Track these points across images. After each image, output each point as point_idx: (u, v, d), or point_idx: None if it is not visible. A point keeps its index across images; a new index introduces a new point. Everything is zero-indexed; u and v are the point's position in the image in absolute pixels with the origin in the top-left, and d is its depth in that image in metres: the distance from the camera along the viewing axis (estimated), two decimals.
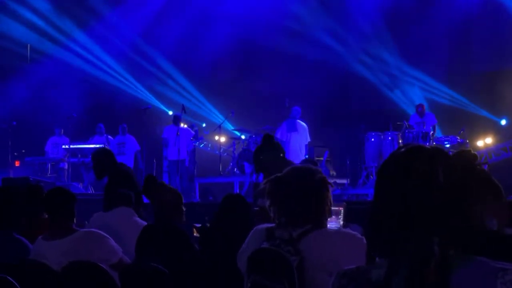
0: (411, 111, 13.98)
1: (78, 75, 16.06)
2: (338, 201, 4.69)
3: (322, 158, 12.94)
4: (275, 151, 5.59)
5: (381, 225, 1.50)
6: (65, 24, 16.14)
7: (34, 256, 4.06)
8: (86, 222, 5.41)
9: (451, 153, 1.58)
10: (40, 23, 15.96)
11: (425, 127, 12.40)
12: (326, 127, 14.01)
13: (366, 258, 1.54)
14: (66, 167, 13.50)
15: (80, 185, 12.87)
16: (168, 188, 4.72)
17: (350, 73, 15.65)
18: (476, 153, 1.59)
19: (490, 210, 1.50)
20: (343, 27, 15.54)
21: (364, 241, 2.72)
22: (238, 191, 11.59)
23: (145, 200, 5.96)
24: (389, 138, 12.25)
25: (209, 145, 15.51)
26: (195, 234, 5.69)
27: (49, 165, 13.44)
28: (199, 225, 5.40)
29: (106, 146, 12.09)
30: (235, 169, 12.85)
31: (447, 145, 12.07)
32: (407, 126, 12.30)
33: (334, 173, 13.28)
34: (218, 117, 15.96)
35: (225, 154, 14.21)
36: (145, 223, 5.02)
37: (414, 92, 15.42)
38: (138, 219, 5.15)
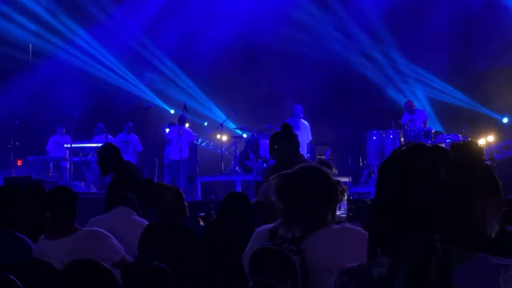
0: None
1: (79, 74, 16.06)
2: None
3: (323, 157, 12.93)
4: (291, 143, 5.47)
5: (383, 223, 1.50)
6: (67, 23, 16.14)
7: (36, 255, 4.06)
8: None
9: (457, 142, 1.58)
10: (41, 22, 15.96)
11: (416, 124, 12.38)
12: (327, 126, 14.01)
13: (368, 255, 1.54)
14: (68, 166, 13.50)
15: (82, 184, 12.87)
16: (167, 188, 4.72)
17: (352, 72, 15.64)
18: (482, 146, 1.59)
19: (491, 207, 1.50)
20: (345, 26, 15.54)
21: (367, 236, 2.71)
22: (240, 190, 11.59)
23: None
24: (391, 136, 12.25)
25: (211, 143, 15.52)
26: (202, 224, 5.69)
27: (51, 164, 13.43)
28: (203, 213, 5.39)
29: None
30: (237, 168, 12.85)
31: (448, 143, 12.06)
32: (403, 126, 12.31)
33: (336, 172, 13.25)
34: (219, 115, 15.96)
35: (227, 152, 14.22)
36: (144, 221, 5.02)
37: (416, 90, 15.41)
38: (137, 217, 5.13)
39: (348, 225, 2.86)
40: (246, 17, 15.27)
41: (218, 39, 15.68)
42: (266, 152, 11.84)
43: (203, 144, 15.08)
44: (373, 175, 12.39)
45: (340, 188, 2.81)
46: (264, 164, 11.65)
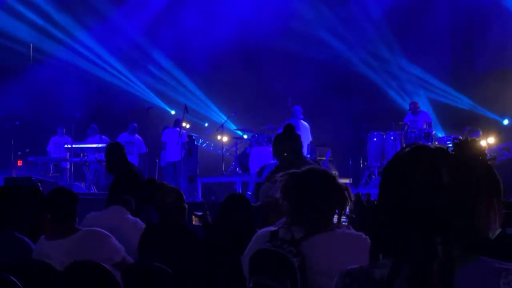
0: None
1: (80, 75, 16.06)
2: None
3: (324, 158, 12.93)
4: (294, 144, 5.43)
5: (385, 224, 1.50)
6: (67, 24, 16.14)
7: (36, 255, 4.06)
8: None
9: (457, 141, 1.57)
10: (42, 22, 15.97)
11: (418, 125, 12.38)
12: (328, 127, 14.00)
13: (369, 257, 1.54)
14: (68, 166, 13.50)
15: (83, 185, 12.86)
16: (169, 188, 4.72)
17: (353, 73, 15.64)
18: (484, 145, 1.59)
19: (493, 208, 1.50)
20: (346, 27, 15.53)
21: (369, 241, 2.71)
22: (240, 191, 11.59)
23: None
24: (391, 137, 12.25)
25: (212, 144, 15.51)
26: (194, 223, 5.67)
27: (52, 164, 13.43)
28: (200, 213, 5.39)
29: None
30: (238, 169, 12.85)
31: (450, 145, 12.04)
32: (406, 126, 12.30)
33: (337, 173, 13.26)
34: (220, 116, 15.96)
35: (228, 153, 14.21)
36: (138, 220, 5.03)
37: (417, 91, 15.41)
38: (130, 216, 5.13)
39: (350, 230, 2.86)
40: (246, 18, 15.27)
41: (218, 40, 15.68)
42: (255, 165, 11.88)
43: (203, 145, 15.07)
44: (373, 176, 12.39)
45: (347, 194, 2.81)
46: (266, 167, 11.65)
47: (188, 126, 13.87)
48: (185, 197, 4.71)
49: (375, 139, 12.43)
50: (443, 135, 13.69)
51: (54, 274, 3.69)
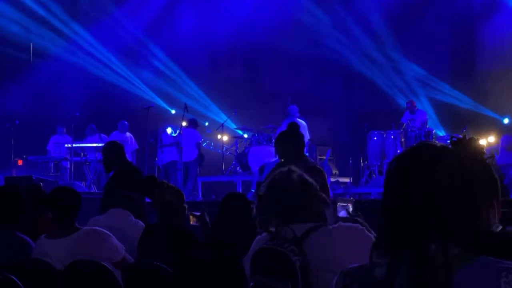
0: None
1: (80, 74, 16.05)
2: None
3: (324, 157, 12.94)
4: (297, 143, 5.38)
5: (387, 223, 1.49)
6: (68, 22, 16.14)
7: (36, 254, 4.06)
8: None
9: (456, 139, 1.57)
10: (42, 21, 15.96)
11: (416, 124, 12.38)
12: (328, 126, 14.00)
13: (370, 256, 1.54)
14: (68, 166, 13.49)
15: (83, 184, 12.86)
16: (168, 187, 4.71)
17: (353, 72, 15.63)
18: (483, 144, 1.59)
19: (492, 207, 1.50)
20: (347, 27, 15.52)
21: (366, 231, 2.73)
22: (240, 190, 11.59)
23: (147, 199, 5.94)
24: (392, 137, 12.25)
25: (212, 144, 15.50)
26: (192, 223, 5.66)
27: (52, 164, 13.43)
28: (198, 213, 5.38)
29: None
30: (238, 168, 12.84)
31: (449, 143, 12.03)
32: (404, 125, 12.30)
33: (337, 172, 13.28)
34: (220, 116, 15.95)
35: (228, 153, 14.21)
36: (140, 222, 5.02)
37: (417, 91, 15.40)
38: (132, 218, 5.12)
39: (344, 223, 2.88)
40: (247, 17, 15.27)
41: (218, 39, 15.68)
42: (255, 164, 11.88)
43: (203, 144, 15.07)
44: (374, 175, 12.39)
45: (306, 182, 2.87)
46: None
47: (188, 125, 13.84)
48: (186, 197, 4.70)
49: (375, 138, 12.43)
50: (444, 134, 13.69)
51: (54, 273, 3.69)
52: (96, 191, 12.37)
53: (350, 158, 13.11)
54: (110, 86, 16.37)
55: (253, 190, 10.79)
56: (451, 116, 14.46)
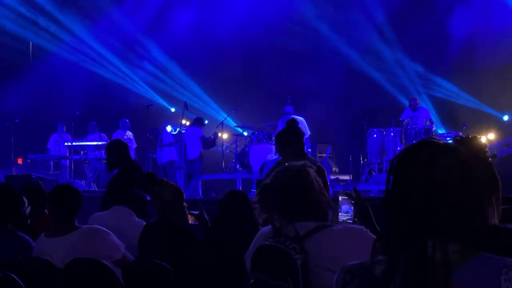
0: None
1: (80, 72, 16.06)
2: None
3: (324, 155, 12.94)
4: (297, 141, 5.36)
5: (387, 220, 1.49)
6: (67, 21, 16.14)
7: (36, 253, 4.06)
8: None
9: (459, 138, 1.57)
10: (41, 20, 15.96)
11: (418, 121, 12.38)
12: (328, 124, 14.01)
13: (371, 253, 1.54)
14: (68, 164, 13.50)
15: (83, 182, 12.87)
16: (168, 185, 4.70)
17: (353, 70, 15.63)
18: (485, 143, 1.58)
19: (492, 205, 1.50)
20: (346, 24, 15.52)
21: (370, 234, 2.73)
22: (241, 188, 11.60)
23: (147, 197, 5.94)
24: (391, 134, 12.25)
25: (211, 136, 15.50)
26: (190, 222, 5.66)
27: (52, 162, 13.43)
28: (197, 212, 5.38)
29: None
30: (238, 166, 12.84)
31: (449, 141, 12.03)
32: (405, 122, 12.30)
33: (337, 170, 13.29)
34: (220, 113, 15.96)
35: (228, 151, 14.21)
36: (143, 222, 5.01)
37: (417, 88, 15.41)
38: (135, 218, 5.12)
39: (350, 225, 2.88)
40: (247, 15, 15.26)
41: (218, 37, 15.68)
42: (256, 163, 11.88)
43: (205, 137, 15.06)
44: (373, 173, 12.39)
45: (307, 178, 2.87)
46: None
47: (188, 123, 13.86)
48: (189, 194, 4.69)
49: (375, 136, 12.43)
50: (444, 131, 13.69)
51: (54, 272, 3.69)
52: (96, 189, 12.39)
53: (350, 156, 13.12)
54: (110, 85, 16.38)
55: (253, 190, 10.79)
56: (450, 114, 14.47)
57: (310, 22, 15.58)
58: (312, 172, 2.90)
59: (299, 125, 5.42)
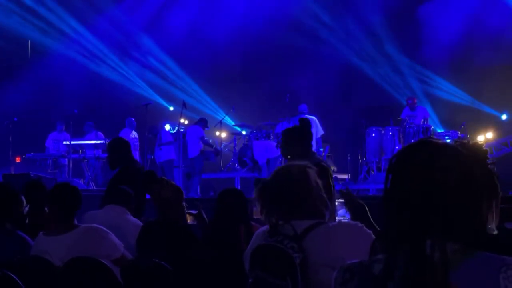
0: None
1: (78, 71, 16.04)
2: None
3: (323, 153, 12.94)
4: (302, 139, 5.32)
5: (386, 219, 1.50)
6: (65, 19, 16.12)
7: (35, 252, 4.05)
8: None
9: (459, 143, 1.57)
10: (40, 18, 15.94)
11: (416, 120, 12.39)
12: (327, 122, 14.00)
13: (369, 252, 1.54)
14: (67, 163, 13.49)
15: (81, 181, 12.86)
16: (168, 183, 4.70)
17: (351, 69, 15.64)
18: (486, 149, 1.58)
19: (491, 208, 1.50)
20: (345, 23, 15.52)
21: (365, 229, 2.74)
22: (239, 187, 11.60)
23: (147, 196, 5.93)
24: (390, 133, 12.25)
25: (210, 140, 15.51)
26: (189, 222, 5.66)
27: (50, 161, 13.42)
28: (195, 211, 5.38)
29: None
30: (236, 165, 12.84)
31: (448, 140, 12.04)
32: (404, 121, 12.31)
33: (335, 169, 13.29)
34: (219, 112, 15.95)
35: (226, 149, 14.21)
36: (137, 221, 5.01)
37: (415, 87, 15.41)
38: (130, 216, 5.11)
39: (344, 220, 2.90)
40: (245, 14, 15.25)
41: (218, 36, 15.67)
42: (261, 156, 11.89)
43: (205, 138, 15.07)
44: (372, 172, 12.40)
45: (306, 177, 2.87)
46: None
47: (186, 122, 13.85)
48: (190, 193, 4.69)
49: (373, 135, 12.43)
50: (442, 130, 13.71)
51: (53, 271, 3.69)
52: (94, 188, 12.38)
53: (349, 155, 13.12)
54: (109, 83, 16.37)
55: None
56: (449, 113, 14.48)
57: (308, 21, 15.58)
58: (312, 172, 2.90)
59: (311, 124, 5.36)
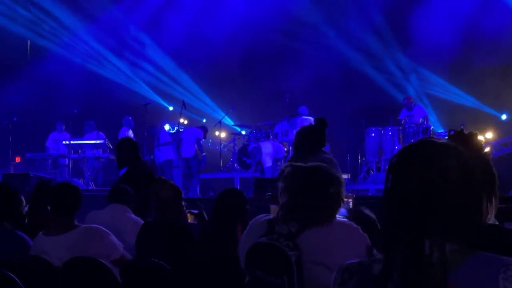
0: None
1: (78, 71, 16.04)
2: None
3: None
4: (310, 138, 5.33)
5: (386, 219, 1.50)
6: (66, 19, 16.12)
7: (34, 251, 4.05)
8: None
9: (453, 132, 1.57)
10: (40, 18, 15.94)
11: (414, 120, 12.38)
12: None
13: (368, 252, 1.54)
14: (66, 163, 13.48)
15: (81, 181, 12.85)
16: (167, 183, 4.70)
17: (351, 69, 15.63)
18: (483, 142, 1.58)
19: (490, 204, 1.50)
20: (344, 23, 15.52)
21: (361, 231, 2.75)
22: (239, 186, 11.60)
23: None
24: (389, 133, 12.25)
25: (210, 140, 15.51)
26: (190, 221, 5.65)
27: (50, 161, 13.41)
28: (196, 211, 5.37)
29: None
30: (236, 165, 12.84)
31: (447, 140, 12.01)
32: (402, 121, 12.31)
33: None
34: (218, 112, 15.95)
35: (226, 149, 14.21)
36: (139, 219, 5.01)
37: (415, 87, 15.41)
38: (132, 215, 5.11)
39: (339, 219, 2.90)
40: (245, 14, 15.25)
41: (217, 36, 15.66)
42: (268, 159, 11.87)
43: (201, 141, 15.07)
44: (371, 172, 12.39)
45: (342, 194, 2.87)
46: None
47: (186, 122, 13.84)
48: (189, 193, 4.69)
49: (373, 135, 12.43)
50: (442, 130, 13.71)
51: (52, 271, 3.68)
52: (94, 188, 12.37)
53: (348, 155, 13.11)
54: (108, 83, 16.37)
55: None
56: (449, 113, 14.47)
57: (307, 21, 15.57)
58: (343, 181, 2.92)
59: (326, 124, 5.40)
